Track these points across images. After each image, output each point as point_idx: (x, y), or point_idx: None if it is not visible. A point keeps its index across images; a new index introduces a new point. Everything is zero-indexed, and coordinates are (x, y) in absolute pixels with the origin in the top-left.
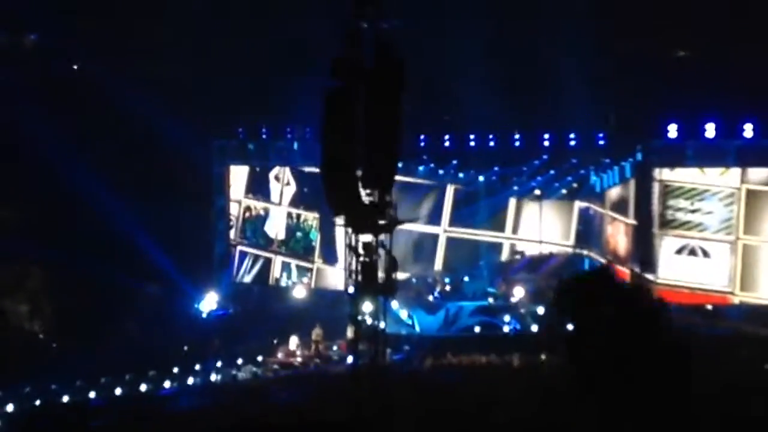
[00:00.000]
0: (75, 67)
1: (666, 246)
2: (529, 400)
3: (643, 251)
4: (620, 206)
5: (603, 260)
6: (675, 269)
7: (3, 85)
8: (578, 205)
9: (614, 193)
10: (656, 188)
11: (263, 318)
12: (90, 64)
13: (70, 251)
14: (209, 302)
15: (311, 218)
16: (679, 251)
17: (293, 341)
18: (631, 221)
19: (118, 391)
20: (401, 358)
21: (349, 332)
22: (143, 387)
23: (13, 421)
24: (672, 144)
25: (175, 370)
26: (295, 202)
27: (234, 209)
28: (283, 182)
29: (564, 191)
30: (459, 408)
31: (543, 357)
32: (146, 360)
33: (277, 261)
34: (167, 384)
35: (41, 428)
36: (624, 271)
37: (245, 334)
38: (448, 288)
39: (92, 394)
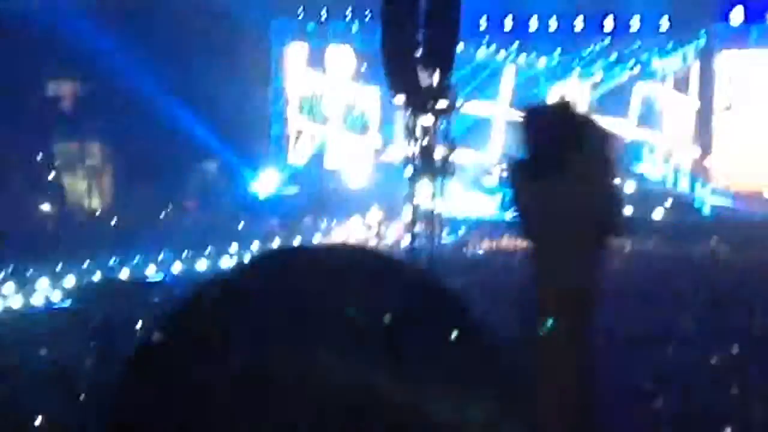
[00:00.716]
0: None
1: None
2: None
3: (705, 135)
4: (682, 87)
5: (664, 141)
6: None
7: None
8: (639, 86)
9: (677, 75)
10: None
11: (320, 199)
12: None
13: (128, 129)
14: (266, 182)
15: (370, 93)
16: None
17: (352, 222)
18: (694, 101)
19: (176, 267)
20: (457, 241)
21: (406, 214)
22: (202, 264)
23: (71, 294)
24: (735, 28)
25: (234, 247)
26: (353, 78)
27: (291, 88)
28: (341, 59)
29: (625, 75)
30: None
31: None
32: (204, 237)
33: (334, 138)
34: (225, 261)
35: (100, 302)
36: (686, 151)
37: (302, 215)
38: (503, 172)
39: (151, 270)
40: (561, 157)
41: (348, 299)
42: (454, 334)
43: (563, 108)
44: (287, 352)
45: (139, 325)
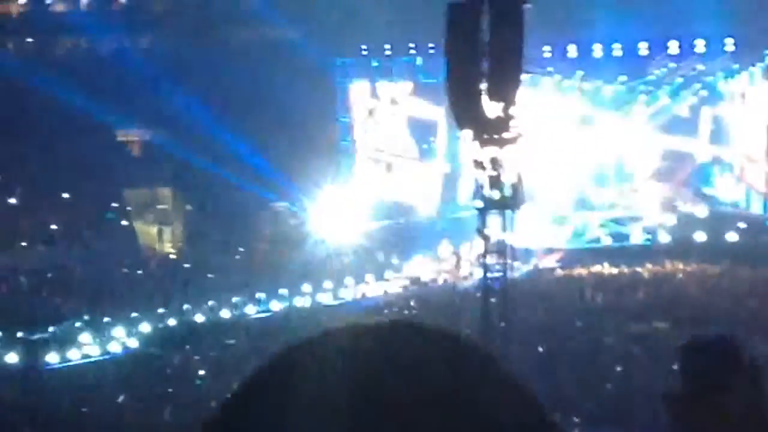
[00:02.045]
0: None
1: None
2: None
3: None
4: (753, 104)
5: (736, 160)
6: None
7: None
8: (707, 108)
9: (746, 93)
10: None
11: (391, 234)
12: None
13: (198, 174)
14: (335, 219)
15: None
16: None
17: (423, 258)
18: (764, 118)
19: (249, 310)
20: (530, 272)
21: (478, 247)
22: (275, 306)
23: (149, 341)
24: None
25: (307, 287)
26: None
27: (357, 124)
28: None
29: (692, 99)
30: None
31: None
32: (276, 278)
33: (402, 167)
34: (298, 302)
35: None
36: (758, 171)
37: (374, 250)
38: (575, 199)
39: (225, 313)
40: (718, 400)
41: (402, 385)
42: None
43: (725, 346)
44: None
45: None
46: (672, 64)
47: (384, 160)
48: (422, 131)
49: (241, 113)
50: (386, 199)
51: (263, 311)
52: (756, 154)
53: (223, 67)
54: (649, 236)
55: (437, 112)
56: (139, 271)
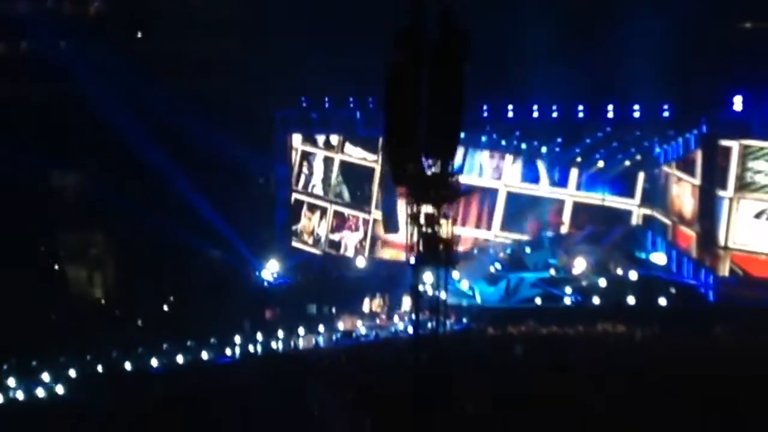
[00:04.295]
0: (139, 35)
1: (743, 210)
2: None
3: (709, 216)
4: (687, 167)
5: (668, 221)
6: (752, 235)
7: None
8: (642, 172)
9: (681, 158)
10: (735, 149)
11: (324, 287)
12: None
13: (132, 219)
14: (270, 270)
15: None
16: (758, 215)
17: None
18: (698, 182)
19: (179, 359)
20: (461, 329)
21: (408, 303)
22: (204, 355)
23: (75, 387)
24: (737, 116)
25: (237, 338)
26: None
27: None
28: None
29: (627, 163)
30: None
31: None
32: (208, 327)
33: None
34: (228, 351)
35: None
36: (689, 234)
37: (305, 302)
38: (509, 259)
39: (154, 362)
40: None
41: None
42: None
43: None
44: None
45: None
46: (608, 128)
47: (319, 206)
48: (357, 178)
49: (177, 160)
50: (319, 249)
51: (192, 360)
52: (688, 218)
53: (161, 115)
54: (581, 298)
55: (372, 161)
56: (69, 316)
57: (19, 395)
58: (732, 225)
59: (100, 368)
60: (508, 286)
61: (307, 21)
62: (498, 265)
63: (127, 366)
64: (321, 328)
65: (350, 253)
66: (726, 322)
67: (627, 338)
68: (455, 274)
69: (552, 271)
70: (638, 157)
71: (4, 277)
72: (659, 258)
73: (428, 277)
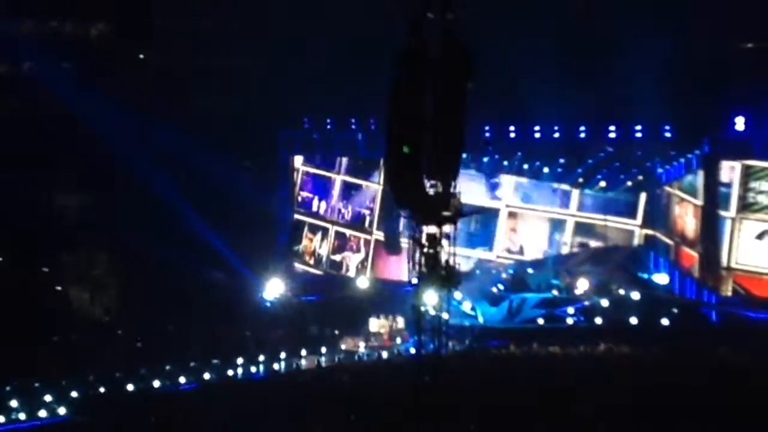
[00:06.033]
0: (142, 56)
1: (746, 230)
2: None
3: (711, 237)
4: (688, 188)
5: (671, 242)
6: (755, 255)
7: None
8: (644, 193)
9: (683, 179)
10: (738, 170)
11: (327, 307)
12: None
13: (135, 239)
14: (273, 290)
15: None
16: (760, 236)
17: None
18: (700, 203)
19: (182, 380)
20: (463, 350)
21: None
22: (206, 375)
23: (77, 408)
24: (739, 136)
25: (240, 360)
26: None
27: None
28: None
29: (629, 183)
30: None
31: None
32: (211, 348)
33: (332, 231)
34: (230, 373)
35: (106, 416)
36: (691, 254)
37: (308, 323)
38: (511, 280)
39: (156, 383)
40: None
41: None
42: None
43: None
44: None
45: None
46: (610, 149)
47: (321, 227)
48: (359, 199)
49: (179, 181)
50: (321, 270)
51: (194, 381)
52: (691, 239)
53: (164, 136)
54: (584, 318)
55: (374, 182)
56: (71, 337)
57: (21, 417)
58: (734, 245)
59: (102, 389)
60: (510, 307)
61: (309, 42)
62: (501, 286)
63: (130, 387)
64: (324, 349)
65: (351, 273)
66: (729, 342)
67: (630, 357)
68: (457, 295)
69: (555, 292)
70: (640, 178)
71: (6, 298)
72: (662, 278)
73: (431, 297)
